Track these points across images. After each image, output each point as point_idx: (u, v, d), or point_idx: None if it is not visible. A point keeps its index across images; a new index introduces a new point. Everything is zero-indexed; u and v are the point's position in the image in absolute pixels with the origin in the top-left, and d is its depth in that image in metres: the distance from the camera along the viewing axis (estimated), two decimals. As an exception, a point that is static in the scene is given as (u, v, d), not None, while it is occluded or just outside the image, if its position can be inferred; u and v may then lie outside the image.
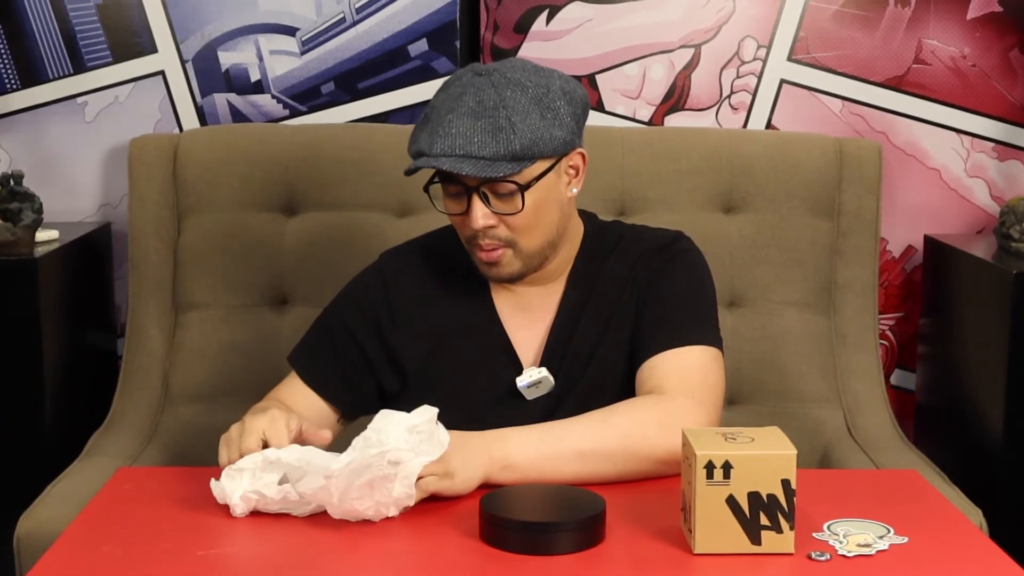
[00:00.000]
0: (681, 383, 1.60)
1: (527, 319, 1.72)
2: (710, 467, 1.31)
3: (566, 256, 1.73)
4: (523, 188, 1.60)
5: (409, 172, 1.60)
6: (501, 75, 1.59)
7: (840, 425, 2.29)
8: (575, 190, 1.68)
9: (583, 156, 1.67)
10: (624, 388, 1.67)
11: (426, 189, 1.65)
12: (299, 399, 1.70)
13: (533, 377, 1.68)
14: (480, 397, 1.68)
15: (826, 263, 2.35)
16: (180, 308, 2.33)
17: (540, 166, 1.61)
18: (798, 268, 2.32)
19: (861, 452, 2.20)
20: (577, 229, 1.74)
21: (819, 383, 2.31)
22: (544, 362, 1.70)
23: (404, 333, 1.71)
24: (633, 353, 1.67)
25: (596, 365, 1.69)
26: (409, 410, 1.42)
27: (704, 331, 1.67)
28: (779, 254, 2.33)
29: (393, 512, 1.39)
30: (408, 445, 1.37)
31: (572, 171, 1.67)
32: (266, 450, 1.42)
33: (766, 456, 1.31)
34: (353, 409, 1.74)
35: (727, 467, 1.31)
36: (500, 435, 1.51)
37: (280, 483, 1.40)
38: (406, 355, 1.70)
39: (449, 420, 1.48)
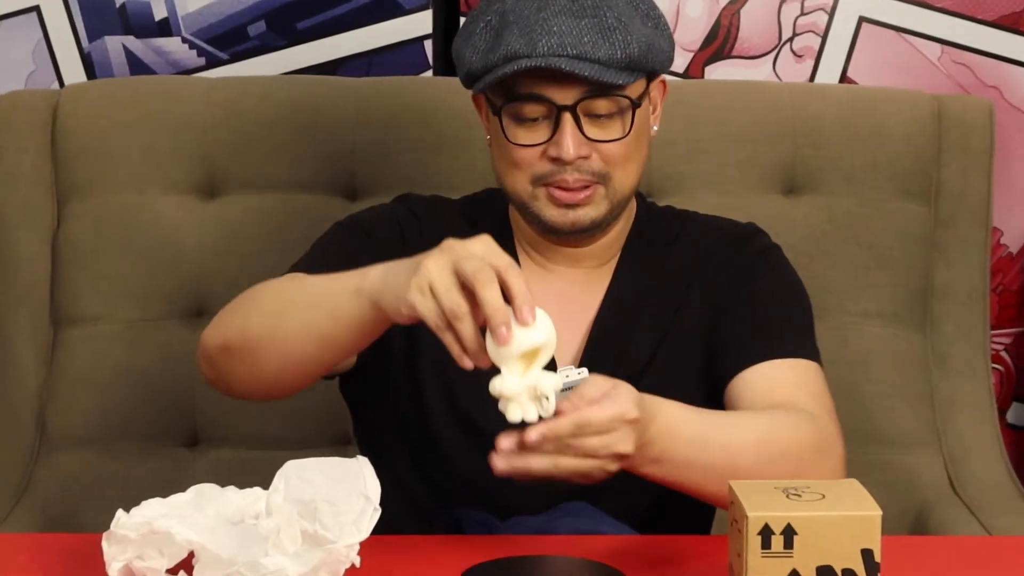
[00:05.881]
0: (817, 403, 1.70)
1: (565, 309, 1.77)
2: (767, 533, 1.31)
3: (618, 233, 1.81)
4: (636, 104, 1.70)
5: (495, 81, 1.68)
6: None
7: (939, 476, 2.29)
8: (655, 128, 1.80)
9: (664, 85, 1.81)
10: (688, 398, 1.72)
11: (498, 112, 1.72)
12: None
13: (571, 378, 1.72)
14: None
15: (920, 262, 2.35)
16: (60, 322, 2.33)
17: (641, 84, 1.73)
18: (883, 268, 2.33)
19: (968, 512, 2.20)
20: (633, 200, 1.83)
21: (911, 421, 2.31)
22: (584, 362, 1.76)
23: None
24: (718, 359, 1.76)
25: (654, 376, 1.75)
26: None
27: (814, 345, 1.79)
28: (858, 250, 2.33)
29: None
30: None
31: (651, 106, 1.79)
32: (156, 518, 1.43)
33: (841, 518, 1.32)
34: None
35: (789, 532, 1.31)
36: (666, 419, 1.54)
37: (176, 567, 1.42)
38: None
39: (445, 422, 1.58)
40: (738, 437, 1.61)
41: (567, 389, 1.46)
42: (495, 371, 1.45)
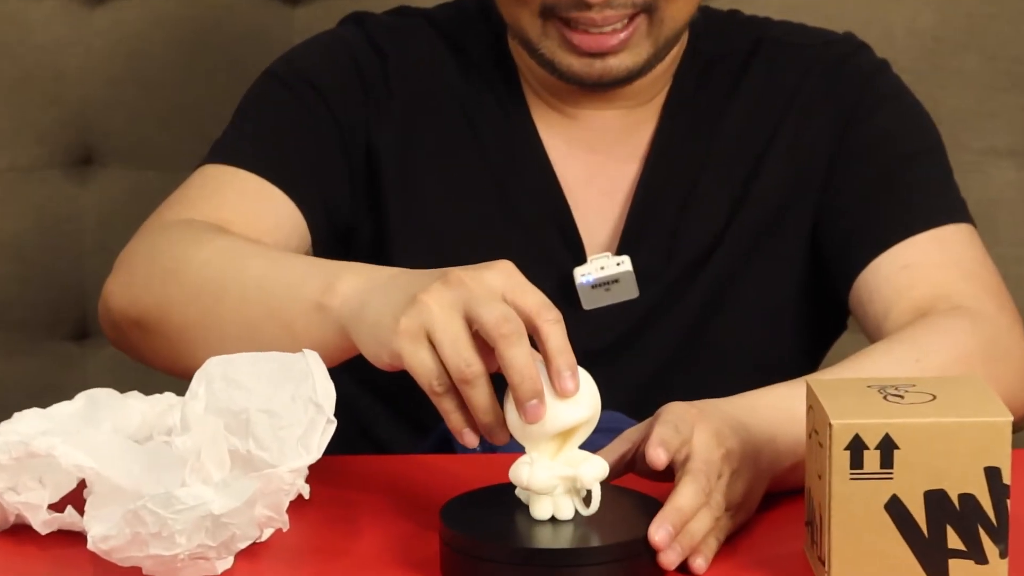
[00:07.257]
0: (975, 285, 1.70)
1: (594, 170, 1.79)
2: (858, 447, 1.31)
3: (666, 64, 1.78)
4: None
5: None
6: None
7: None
8: None
9: None
10: (779, 307, 1.76)
11: None
12: (254, 212, 1.71)
13: (607, 271, 1.74)
14: None
15: (1064, 81, 2.36)
16: (-99, 174, 2.33)
17: None
18: (1016, 89, 2.35)
19: None
20: None
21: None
22: (624, 248, 1.76)
23: (399, 143, 1.78)
24: (833, 248, 1.76)
25: (721, 269, 1.76)
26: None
27: (958, 197, 1.80)
28: (979, 64, 2.35)
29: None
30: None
31: None
32: (34, 436, 1.43)
33: (958, 426, 1.31)
34: (329, 231, 1.77)
35: (888, 446, 1.31)
36: (769, 410, 1.49)
37: (57, 501, 1.43)
38: (390, 181, 1.77)
39: None
40: None
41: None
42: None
